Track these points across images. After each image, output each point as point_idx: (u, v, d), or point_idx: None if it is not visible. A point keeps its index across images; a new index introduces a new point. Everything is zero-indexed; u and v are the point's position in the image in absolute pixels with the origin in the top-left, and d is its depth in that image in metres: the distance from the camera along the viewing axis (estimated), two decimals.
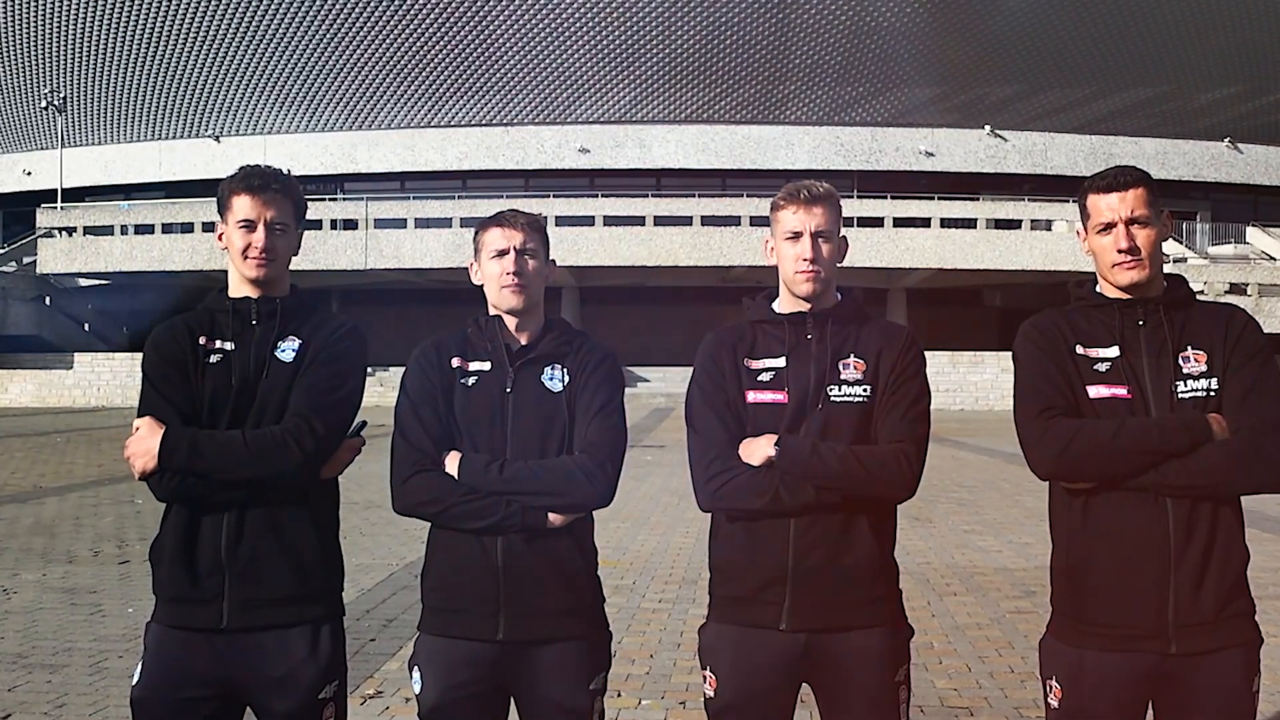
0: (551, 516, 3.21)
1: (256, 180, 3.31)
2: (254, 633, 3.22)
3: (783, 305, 3.36)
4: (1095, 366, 3.14)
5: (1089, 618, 3.11)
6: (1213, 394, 3.08)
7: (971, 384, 40.18)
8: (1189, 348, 3.13)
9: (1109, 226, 3.15)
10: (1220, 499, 3.05)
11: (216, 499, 3.19)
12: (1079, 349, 3.17)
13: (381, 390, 28.07)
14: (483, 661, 3.23)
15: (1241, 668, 3.05)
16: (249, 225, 3.30)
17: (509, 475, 3.19)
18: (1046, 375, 3.15)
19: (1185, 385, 3.09)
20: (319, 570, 3.32)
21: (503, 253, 3.32)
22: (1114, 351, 3.14)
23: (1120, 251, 3.12)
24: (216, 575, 3.22)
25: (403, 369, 3.42)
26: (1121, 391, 3.10)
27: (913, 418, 3.20)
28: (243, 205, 3.31)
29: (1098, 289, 3.26)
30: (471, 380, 3.32)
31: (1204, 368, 3.10)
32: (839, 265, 3.31)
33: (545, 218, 3.60)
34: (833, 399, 3.22)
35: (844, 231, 3.35)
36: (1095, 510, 3.10)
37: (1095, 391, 3.12)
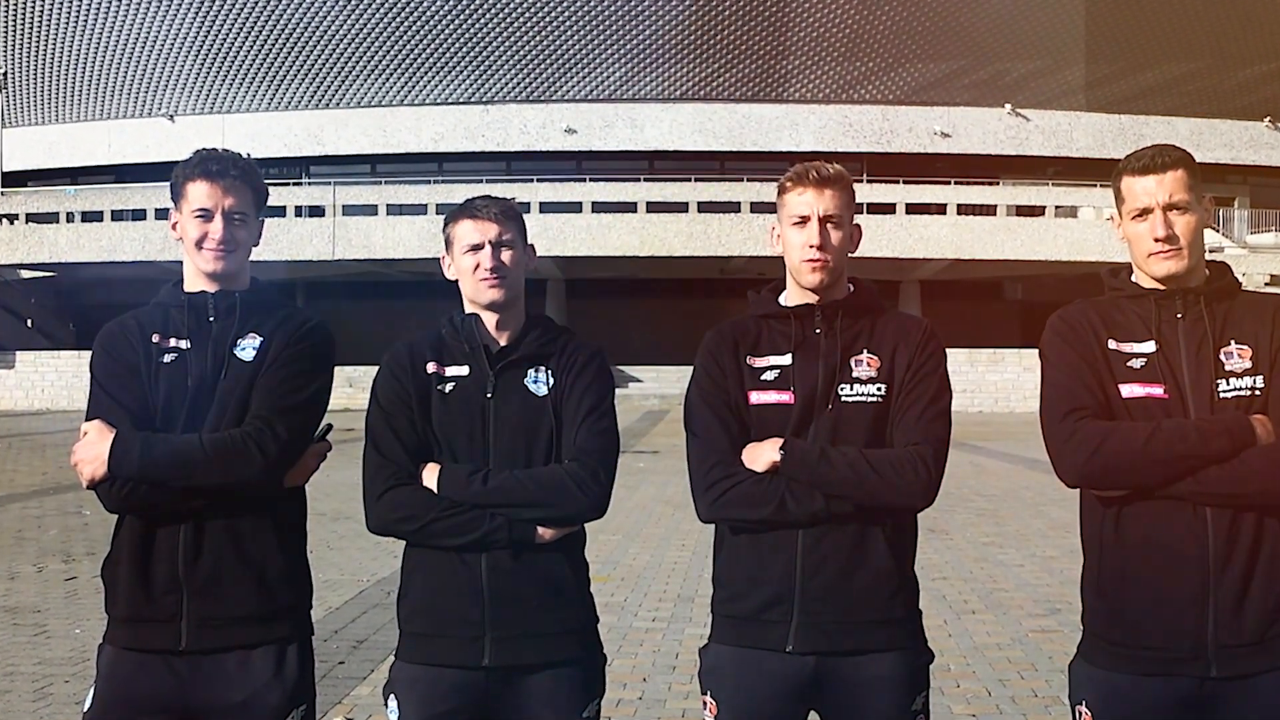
0: (541, 530, 3.21)
1: (214, 165, 3.32)
2: (215, 654, 3.23)
3: (789, 298, 3.36)
4: (1129, 363, 3.13)
5: (1122, 638, 3.11)
6: (1258, 393, 3.07)
7: (991, 384, 40.24)
8: (1232, 342, 3.11)
9: (1144, 212, 3.14)
10: (1265, 509, 3.04)
11: (172, 509, 3.19)
12: (1111, 344, 3.16)
13: (351, 391, 28.07)
14: (467, 690, 3.23)
15: None
16: (205, 215, 3.31)
17: (493, 486, 3.18)
18: (1075, 373, 3.15)
19: (1227, 384, 3.08)
20: (284, 586, 3.33)
21: (476, 247, 3.31)
22: (1150, 347, 3.14)
23: (1156, 240, 3.12)
24: (173, 593, 3.22)
25: (374, 369, 3.42)
26: (1157, 391, 3.10)
27: (931, 418, 3.20)
28: (198, 193, 3.31)
29: (1133, 278, 3.26)
30: (449, 386, 3.31)
31: (1248, 364, 3.09)
32: (851, 255, 3.31)
33: (522, 203, 3.59)
34: (843, 399, 3.22)
35: (855, 219, 3.35)
36: (1128, 521, 3.09)
37: (1129, 391, 3.11)
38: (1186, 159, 3.17)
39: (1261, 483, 2.98)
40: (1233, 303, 3.18)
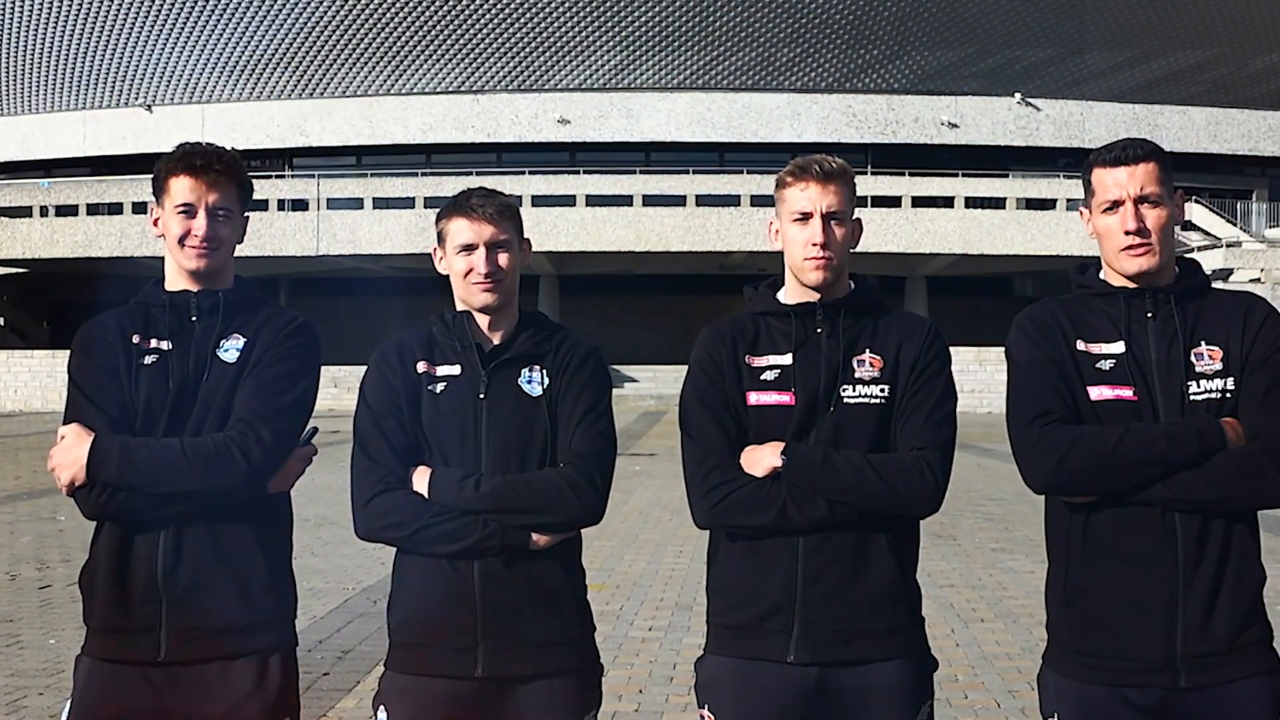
0: (535, 537, 3.22)
1: (198, 160, 3.32)
2: (195, 665, 3.24)
3: (789, 295, 3.36)
4: (1097, 365, 3.16)
5: (1089, 648, 3.14)
6: (1228, 395, 3.11)
7: (1000, 384, 39.92)
8: (1203, 343, 3.15)
9: (1115, 205, 3.18)
10: (1235, 514, 3.07)
11: (152, 515, 3.20)
12: (1080, 345, 3.19)
13: (336, 392, 28.09)
14: (459, 701, 3.23)
15: (1264, 700, 3.06)
16: (188, 210, 3.31)
17: (486, 492, 3.19)
18: (1043, 375, 3.17)
19: (1198, 385, 3.11)
20: (267, 595, 3.33)
21: (469, 248, 3.31)
22: (1119, 348, 3.16)
23: (1127, 233, 3.14)
24: (153, 602, 3.23)
25: (360, 368, 3.42)
26: (1126, 393, 3.12)
27: (937, 421, 3.22)
28: (181, 188, 3.32)
29: (1101, 275, 3.29)
30: (440, 387, 3.31)
31: (1219, 366, 3.13)
32: (852, 251, 3.33)
33: (519, 198, 3.58)
34: (846, 401, 3.23)
35: (858, 213, 3.36)
36: (1097, 528, 3.12)
37: (1097, 393, 3.14)
38: (1159, 152, 3.21)
39: (1231, 488, 3.02)
40: (1203, 302, 3.20)
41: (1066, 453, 3.05)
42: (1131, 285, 3.20)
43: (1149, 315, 3.17)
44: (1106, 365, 3.15)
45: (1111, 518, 3.09)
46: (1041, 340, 3.21)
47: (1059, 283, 44.84)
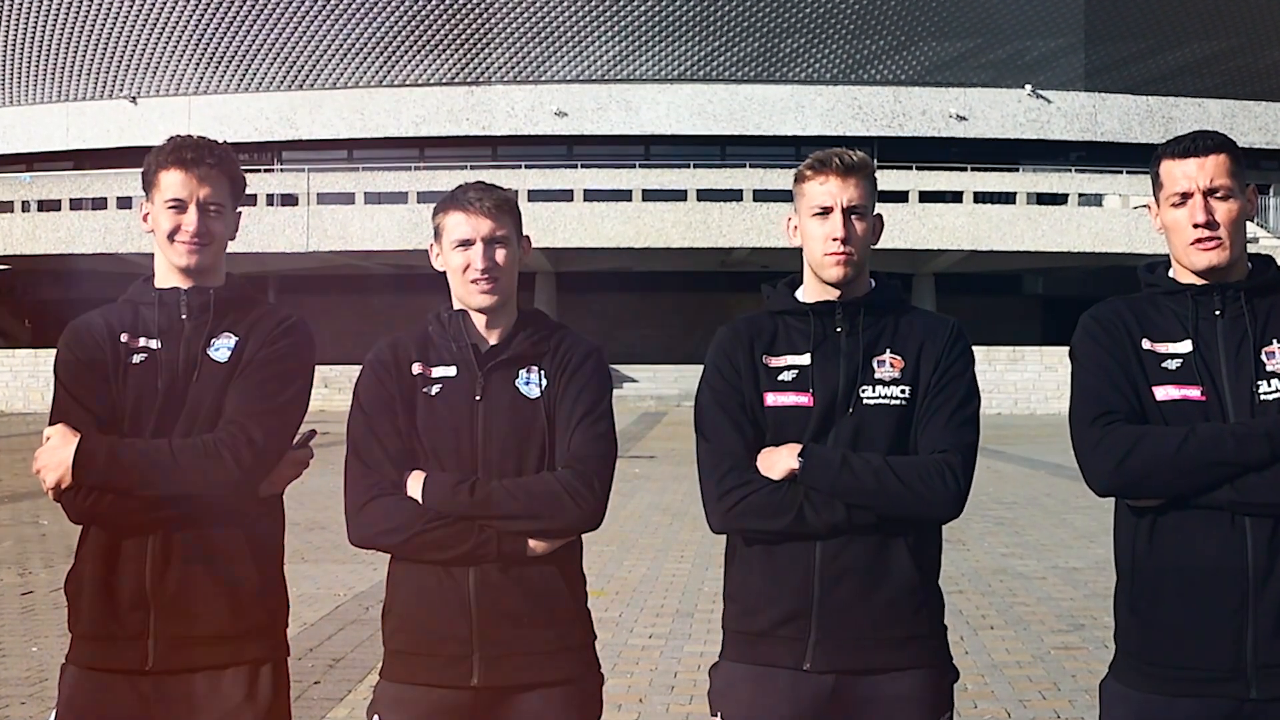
0: (532, 543, 3.22)
1: (189, 153, 3.32)
2: (183, 674, 3.24)
3: (808, 293, 3.36)
4: (1164, 364, 3.15)
5: (1155, 657, 3.12)
6: None
7: (1010, 384, 40.23)
8: (1274, 341, 3.14)
9: (1184, 197, 3.16)
10: None
11: (139, 520, 3.20)
12: (1145, 344, 3.18)
13: (326, 393, 28.05)
14: (456, 710, 3.24)
15: None
16: (179, 205, 3.31)
17: (481, 497, 3.19)
18: (1106, 375, 3.16)
19: (1268, 385, 3.10)
20: (258, 603, 3.34)
21: (466, 243, 3.31)
22: (1186, 346, 3.15)
23: (1196, 226, 3.13)
24: (140, 609, 3.23)
25: (351, 368, 3.43)
26: (1194, 393, 3.11)
27: (959, 423, 3.22)
28: (172, 182, 3.31)
29: (1170, 273, 3.28)
30: (435, 389, 3.31)
31: None
32: (872, 247, 3.32)
33: (516, 192, 3.57)
34: (865, 402, 3.23)
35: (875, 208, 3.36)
36: (1162, 532, 3.11)
37: (1163, 393, 3.13)
38: (1230, 144, 3.20)
39: None
40: (1276, 298, 3.19)
41: (1127, 454, 3.05)
42: (1200, 282, 3.19)
43: (1217, 313, 3.16)
44: (1173, 365, 3.15)
45: (1178, 521, 3.08)
46: (1105, 339, 3.21)
47: (1070, 280, 44.79)
